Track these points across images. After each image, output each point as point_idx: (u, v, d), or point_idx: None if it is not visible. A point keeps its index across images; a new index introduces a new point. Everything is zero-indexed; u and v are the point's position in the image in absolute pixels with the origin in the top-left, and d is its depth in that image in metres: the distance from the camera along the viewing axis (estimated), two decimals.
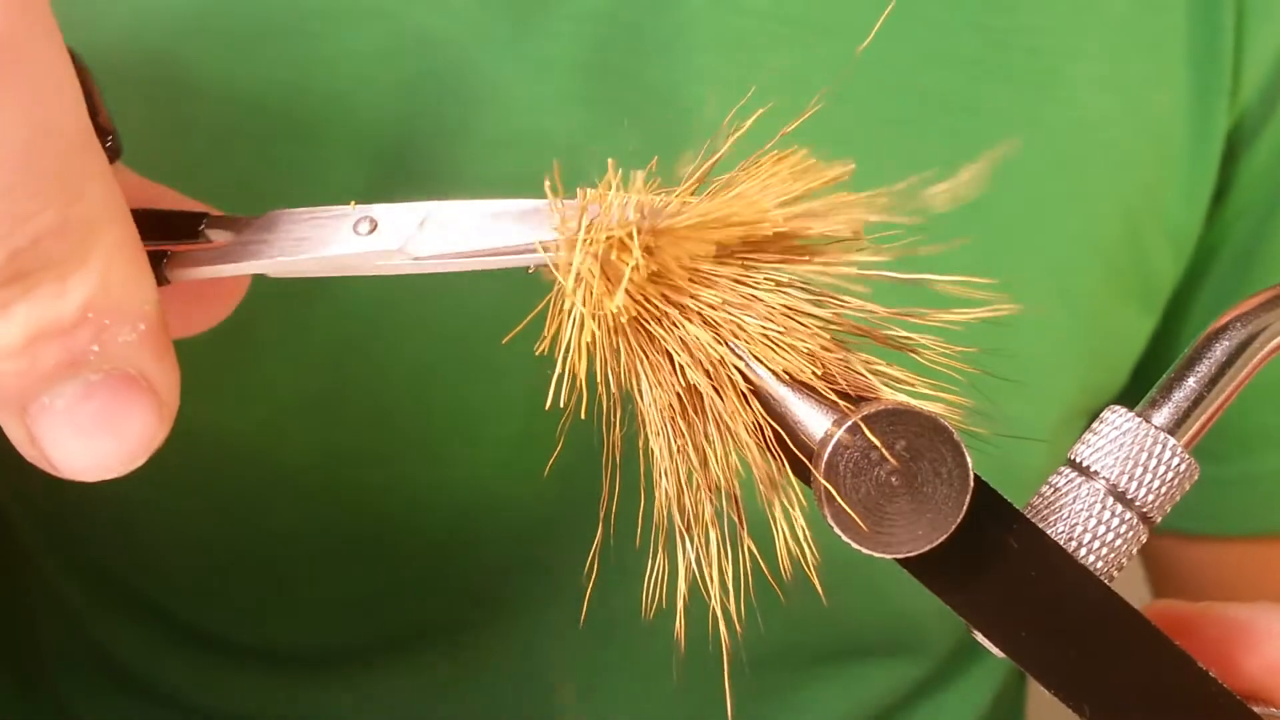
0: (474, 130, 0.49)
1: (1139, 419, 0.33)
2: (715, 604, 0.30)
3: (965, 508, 0.29)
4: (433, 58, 0.48)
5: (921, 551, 0.29)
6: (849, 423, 0.28)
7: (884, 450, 0.28)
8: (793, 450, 0.29)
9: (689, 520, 0.31)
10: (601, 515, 0.32)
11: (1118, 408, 0.34)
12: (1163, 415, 0.33)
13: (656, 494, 0.31)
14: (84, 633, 0.62)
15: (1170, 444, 0.33)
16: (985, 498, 0.30)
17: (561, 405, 0.29)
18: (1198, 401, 0.33)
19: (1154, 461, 0.33)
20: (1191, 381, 0.33)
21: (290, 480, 0.54)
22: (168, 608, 0.59)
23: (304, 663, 0.59)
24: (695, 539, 0.31)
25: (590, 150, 0.49)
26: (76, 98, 0.25)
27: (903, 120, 0.52)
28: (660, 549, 0.32)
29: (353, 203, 0.31)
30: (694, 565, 0.31)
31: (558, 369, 0.29)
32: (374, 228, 0.31)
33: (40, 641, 0.65)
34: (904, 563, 0.30)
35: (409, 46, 0.48)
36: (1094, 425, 0.34)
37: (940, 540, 0.29)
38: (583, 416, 0.31)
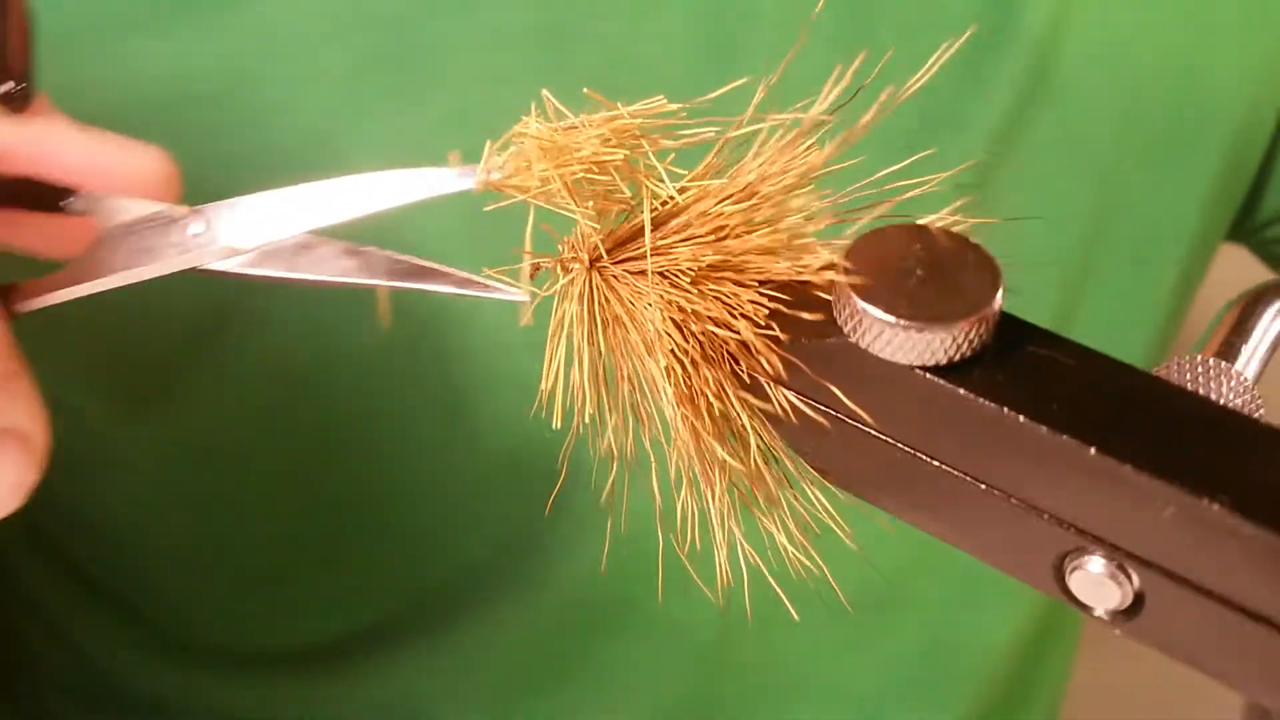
0: (429, 106, 0.48)
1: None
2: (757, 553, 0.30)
3: (1001, 289, 0.27)
4: (383, 34, 0.47)
5: (965, 344, 0.27)
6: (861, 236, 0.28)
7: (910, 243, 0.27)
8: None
9: (708, 467, 0.30)
10: (606, 496, 0.32)
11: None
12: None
13: (673, 454, 0.30)
14: (70, 646, 0.61)
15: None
16: (1022, 328, 0.28)
17: (548, 388, 0.29)
18: None
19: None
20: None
21: (265, 480, 0.53)
22: (150, 614, 0.58)
23: (290, 663, 0.57)
24: (715, 492, 0.30)
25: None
26: None
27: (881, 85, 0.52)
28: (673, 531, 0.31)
29: (186, 206, 0.32)
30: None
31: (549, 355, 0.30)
32: (207, 228, 0.31)
33: (26, 657, 0.64)
34: (952, 374, 0.27)
35: (358, 24, 0.47)
36: None
37: (984, 331, 0.27)
38: (577, 395, 0.31)
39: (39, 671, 0.64)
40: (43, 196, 0.32)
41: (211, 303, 0.48)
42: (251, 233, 0.31)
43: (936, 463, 0.28)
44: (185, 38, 0.45)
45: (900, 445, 0.28)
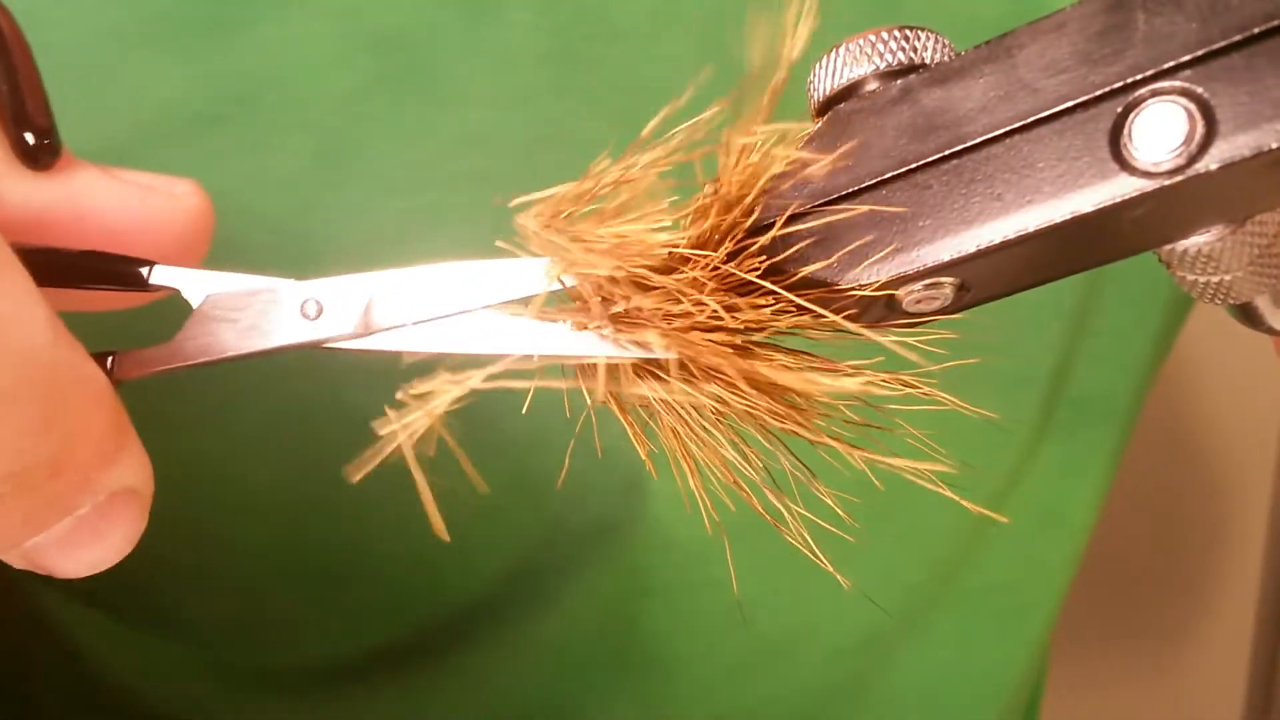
0: (435, 129, 0.47)
1: None
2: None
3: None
4: (390, 58, 0.47)
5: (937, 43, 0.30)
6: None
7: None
8: None
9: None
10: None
11: None
12: None
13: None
14: (75, 664, 0.60)
15: None
16: None
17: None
18: None
19: None
20: None
21: (264, 497, 0.50)
22: (151, 628, 0.57)
23: (295, 682, 0.56)
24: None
25: (556, 142, 0.48)
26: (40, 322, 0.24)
27: None
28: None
29: (290, 280, 0.30)
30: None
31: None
32: (320, 311, 0.29)
33: (32, 676, 0.62)
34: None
35: (366, 47, 0.47)
36: None
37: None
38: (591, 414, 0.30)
39: (44, 692, 0.62)
40: (121, 271, 0.30)
41: None
42: (369, 315, 0.29)
43: (969, 149, 0.28)
44: (193, 61, 0.45)
45: (933, 159, 0.28)
